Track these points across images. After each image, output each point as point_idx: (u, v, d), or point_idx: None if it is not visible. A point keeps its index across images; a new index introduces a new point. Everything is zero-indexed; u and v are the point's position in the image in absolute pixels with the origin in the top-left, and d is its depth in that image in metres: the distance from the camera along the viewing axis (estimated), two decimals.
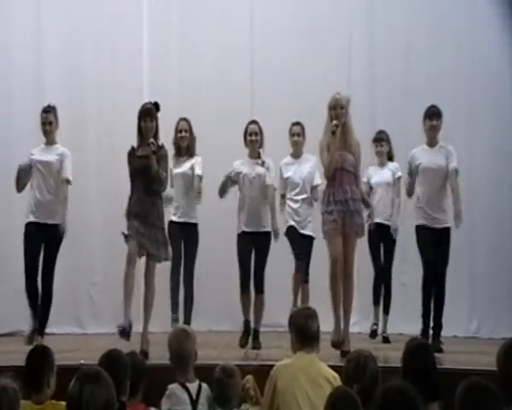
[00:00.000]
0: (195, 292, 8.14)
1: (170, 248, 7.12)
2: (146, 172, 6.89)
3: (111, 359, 4.30)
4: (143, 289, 7.03)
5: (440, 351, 7.17)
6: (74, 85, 9.30)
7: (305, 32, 9.51)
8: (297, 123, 8.12)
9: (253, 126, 7.79)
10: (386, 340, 8.26)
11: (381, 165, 8.50)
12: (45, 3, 9.44)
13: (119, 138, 8.93)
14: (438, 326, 7.50)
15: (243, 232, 7.72)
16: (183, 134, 7.97)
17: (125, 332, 6.61)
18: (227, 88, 9.28)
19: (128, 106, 8.93)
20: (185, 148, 7.96)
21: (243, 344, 7.61)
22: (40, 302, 7.35)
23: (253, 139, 7.76)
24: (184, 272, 7.94)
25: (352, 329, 7.66)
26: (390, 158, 8.54)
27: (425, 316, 7.49)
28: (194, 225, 7.97)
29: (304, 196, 8.03)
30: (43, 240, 7.38)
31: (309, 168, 8.04)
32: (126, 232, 6.86)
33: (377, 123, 8.86)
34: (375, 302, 8.47)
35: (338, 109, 6.94)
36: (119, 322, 6.72)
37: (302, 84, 9.30)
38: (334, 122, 6.88)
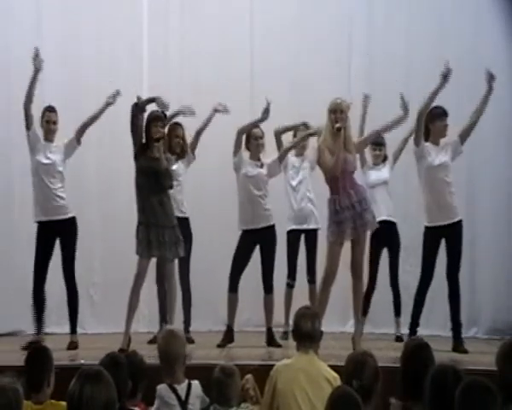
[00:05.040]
0: (194, 293, 8.14)
1: (181, 245, 7.20)
2: (154, 173, 6.98)
3: (113, 362, 4.24)
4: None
5: (465, 352, 7.22)
6: (74, 86, 9.28)
7: (305, 32, 9.50)
8: None
9: (258, 130, 7.87)
10: (399, 339, 8.14)
11: (378, 167, 8.50)
12: (45, 3, 9.42)
13: (119, 139, 8.93)
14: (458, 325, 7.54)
15: (246, 230, 7.71)
16: (178, 140, 7.96)
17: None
18: (227, 88, 9.25)
19: (128, 106, 8.93)
20: (176, 154, 7.88)
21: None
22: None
23: (261, 143, 7.85)
24: (180, 271, 7.91)
25: (351, 329, 7.68)
26: (384, 159, 8.54)
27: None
28: (186, 220, 7.92)
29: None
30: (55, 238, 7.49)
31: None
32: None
33: (377, 124, 8.85)
34: (364, 313, 7.78)
35: (338, 113, 7.02)
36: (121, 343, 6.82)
37: (302, 84, 9.30)
38: (338, 125, 6.93)
